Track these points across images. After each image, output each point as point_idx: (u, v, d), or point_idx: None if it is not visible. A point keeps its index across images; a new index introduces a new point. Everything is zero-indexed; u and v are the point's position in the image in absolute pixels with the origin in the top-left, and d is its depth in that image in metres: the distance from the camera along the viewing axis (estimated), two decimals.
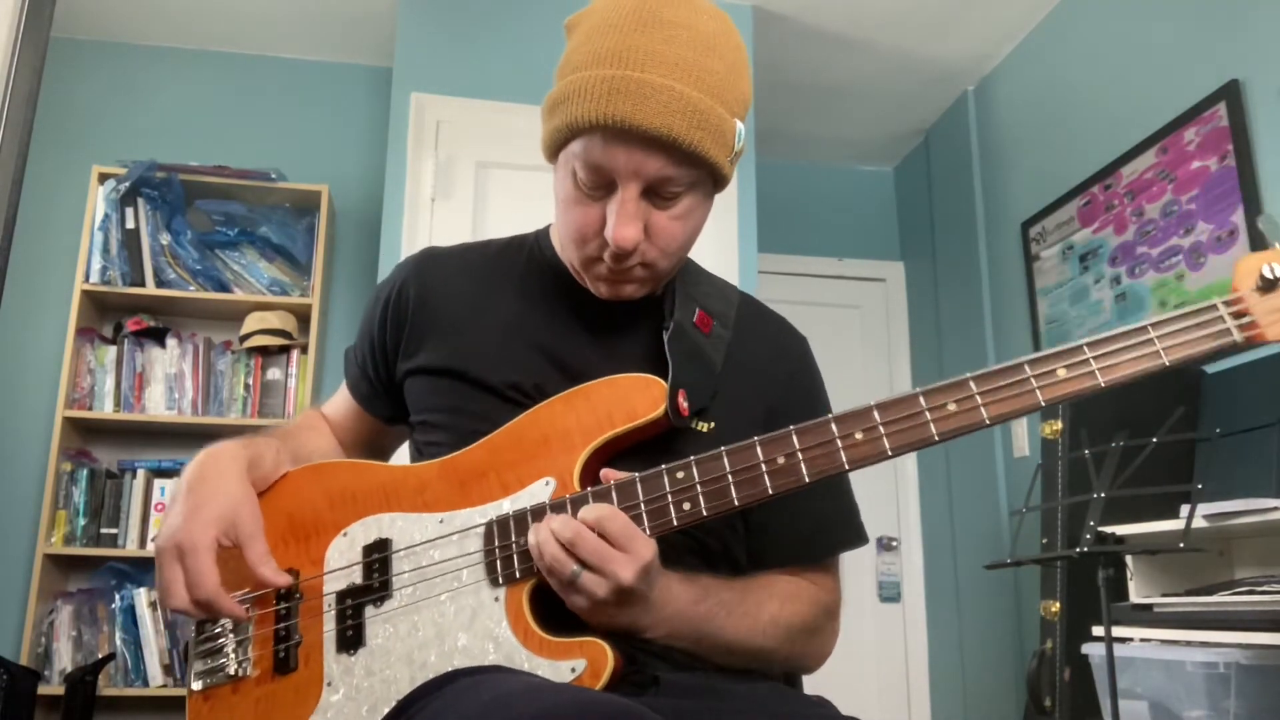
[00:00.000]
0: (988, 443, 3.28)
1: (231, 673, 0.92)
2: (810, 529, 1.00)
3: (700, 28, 0.89)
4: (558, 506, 0.85)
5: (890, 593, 3.81)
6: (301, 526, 0.96)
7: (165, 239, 2.99)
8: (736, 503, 0.83)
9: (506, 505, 0.88)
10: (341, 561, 0.92)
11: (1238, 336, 0.78)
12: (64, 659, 2.73)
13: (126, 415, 2.89)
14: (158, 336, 2.99)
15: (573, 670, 0.80)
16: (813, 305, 3.85)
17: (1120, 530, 1.94)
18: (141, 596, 2.78)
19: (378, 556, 0.91)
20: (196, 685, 0.93)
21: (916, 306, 4.04)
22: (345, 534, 0.94)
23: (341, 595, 0.91)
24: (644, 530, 0.83)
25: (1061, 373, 0.80)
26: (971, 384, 0.81)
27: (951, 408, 0.81)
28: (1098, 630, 1.91)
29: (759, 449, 0.84)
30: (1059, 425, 2.36)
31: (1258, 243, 2.23)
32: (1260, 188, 2.26)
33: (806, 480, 0.83)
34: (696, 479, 0.84)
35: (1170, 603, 1.90)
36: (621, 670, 0.81)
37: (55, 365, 2.92)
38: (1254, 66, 2.31)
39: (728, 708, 0.82)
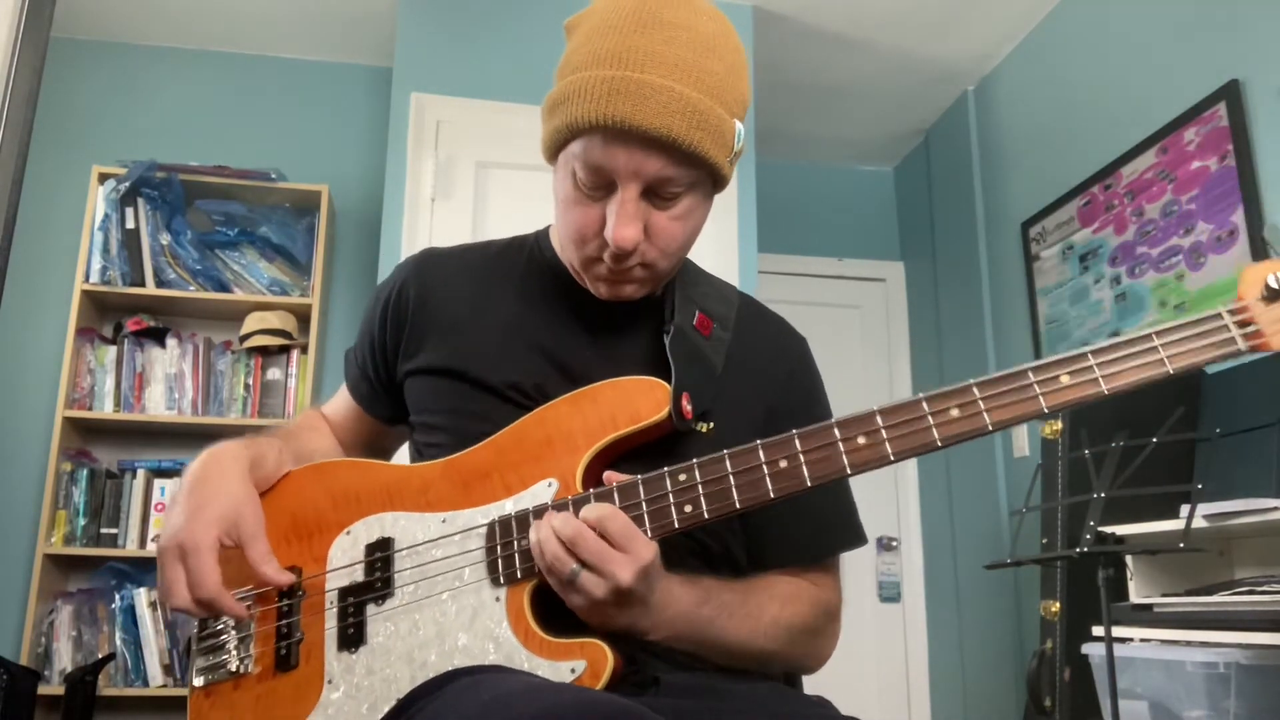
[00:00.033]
0: (988, 443, 3.28)
1: (233, 669, 0.92)
2: (810, 530, 1.00)
3: (700, 29, 0.89)
4: (560, 507, 0.85)
5: (890, 593, 3.81)
6: (305, 525, 0.96)
7: (165, 239, 2.99)
8: (738, 505, 0.84)
9: (509, 505, 0.89)
10: (344, 560, 0.93)
11: (1242, 345, 0.79)
12: (64, 659, 2.74)
13: (126, 415, 2.89)
14: (158, 336, 2.99)
15: (572, 671, 0.80)
16: (813, 305, 3.86)
17: (1120, 530, 1.94)
18: (141, 596, 2.78)
19: (380, 555, 0.91)
20: (198, 681, 0.94)
21: (916, 306, 4.04)
22: (348, 532, 0.94)
23: (343, 593, 0.91)
24: (645, 531, 0.83)
25: (1065, 379, 0.80)
26: (975, 389, 0.81)
27: (954, 413, 0.81)
28: (1098, 630, 1.91)
29: (761, 452, 0.84)
30: (1059, 425, 2.36)
31: (1258, 242, 2.24)
32: (1260, 188, 2.26)
33: (808, 484, 0.83)
34: (698, 481, 0.84)
35: (1170, 603, 1.90)
36: (621, 671, 0.81)
37: (55, 365, 2.92)
38: (1254, 66, 2.31)
39: (728, 708, 0.82)
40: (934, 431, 0.81)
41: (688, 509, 0.84)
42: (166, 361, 2.96)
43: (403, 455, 1.10)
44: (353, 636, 0.89)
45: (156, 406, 2.92)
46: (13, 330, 3.03)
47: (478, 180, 2.91)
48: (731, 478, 0.84)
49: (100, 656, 2.71)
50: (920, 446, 0.81)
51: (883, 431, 0.82)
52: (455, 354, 1.01)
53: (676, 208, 0.91)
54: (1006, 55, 3.38)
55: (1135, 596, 2.01)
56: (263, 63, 3.46)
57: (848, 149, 4.12)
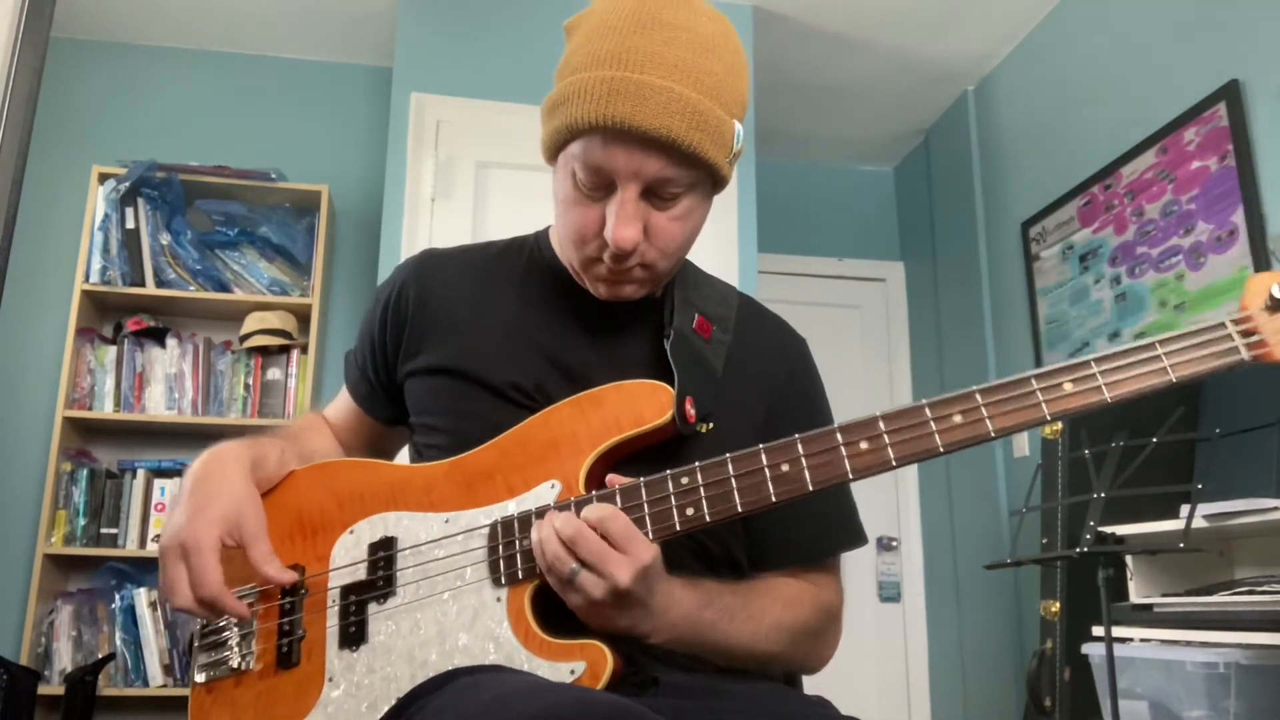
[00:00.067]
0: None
1: (234, 666, 0.92)
2: (810, 531, 1.00)
3: (699, 30, 0.89)
4: (562, 508, 0.85)
5: (890, 593, 3.81)
6: (309, 523, 0.96)
7: (165, 239, 2.99)
8: (740, 508, 0.84)
9: (511, 507, 0.89)
10: (347, 558, 0.93)
11: (1246, 355, 0.78)
12: (64, 659, 2.74)
13: (126, 415, 2.89)
14: (158, 336, 2.99)
15: (572, 672, 0.80)
16: (813, 305, 3.86)
17: (1120, 530, 1.95)
18: (141, 596, 2.78)
19: (383, 554, 0.91)
20: (200, 678, 0.94)
21: (916, 306, 4.04)
22: (352, 531, 0.94)
23: (345, 591, 0.91)
24: (647, 533, 0.83)
25: (1068, 387, 0.80)
26: (977, 396, 0.81)
27: (957, 419, 0.81)
28: (1098, 630, 1.92)
29: (763, 455, 0.84)
30: (1059, 426, 2.36)
31: (1258, 243, 2.24)
32: (1260, 188, 2.26)
33: (810, 488, 0.83)
34: (700, 484, 0.84)
35: (1170, 603, 1.91)
36: (621, 673, 0.81)
37: (55, 365, 2.92)
38: (1254, 66, 2.31)
39: (728, 708, 0.82)
40: (937, 438, 0.81)
41: (690, 511, 0.84)
42: (166, 361, 2.96)
43: (403, 456, 1.10)
44: (354, 635, 0.89)
45: (156, 406, 2.92)
46: (13, 330, 3.03)
47: (478, 180, 2.91)
48: (733, 481, 0.84)
49: (100, 656, 2.71)
50: (923, 452, 0.81)
51: (885, 437, 0.82)
52: (455, 354, 1.01)
53: (676, 208, 0.91)
54: (1006, 55, 3.39)
55: (1135, 596, 2.01)
56: (263, 63, 3.46)
57: (848, 149, 4.12)
